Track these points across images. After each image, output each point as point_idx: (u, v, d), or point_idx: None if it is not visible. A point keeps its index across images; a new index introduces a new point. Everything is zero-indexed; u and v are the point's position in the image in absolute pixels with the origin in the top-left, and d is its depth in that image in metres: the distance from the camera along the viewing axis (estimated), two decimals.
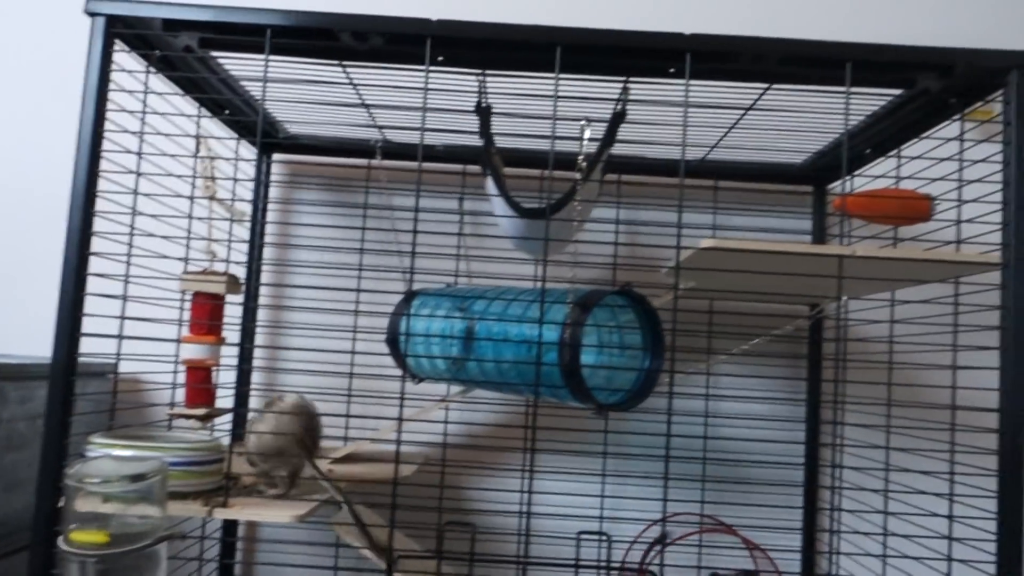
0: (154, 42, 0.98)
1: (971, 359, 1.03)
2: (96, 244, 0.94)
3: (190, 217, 1.15)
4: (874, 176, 1.21)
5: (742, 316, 1.35)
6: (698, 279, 1.09)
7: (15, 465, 1.15)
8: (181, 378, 1.15)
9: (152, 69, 1.03)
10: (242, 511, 0.86)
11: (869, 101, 1.05)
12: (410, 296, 1.21)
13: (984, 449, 0.94)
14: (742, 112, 1.09)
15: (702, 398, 1.37)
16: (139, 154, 1.02)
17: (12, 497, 1.14)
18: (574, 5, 1.47)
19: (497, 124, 1.14)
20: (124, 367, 1.33)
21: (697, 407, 1.38)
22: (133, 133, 1.00)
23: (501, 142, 1.21)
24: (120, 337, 0.99)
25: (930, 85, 0.96)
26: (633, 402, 0.98)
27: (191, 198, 1.14)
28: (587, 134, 0.98)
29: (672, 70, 0.95)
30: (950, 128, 1.04)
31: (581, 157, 0.99)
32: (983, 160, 0.96)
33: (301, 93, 1.11)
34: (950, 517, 1.00)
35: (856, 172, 1.31)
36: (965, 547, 0.98)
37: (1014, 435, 0.87)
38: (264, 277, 1.44)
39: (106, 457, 0.86)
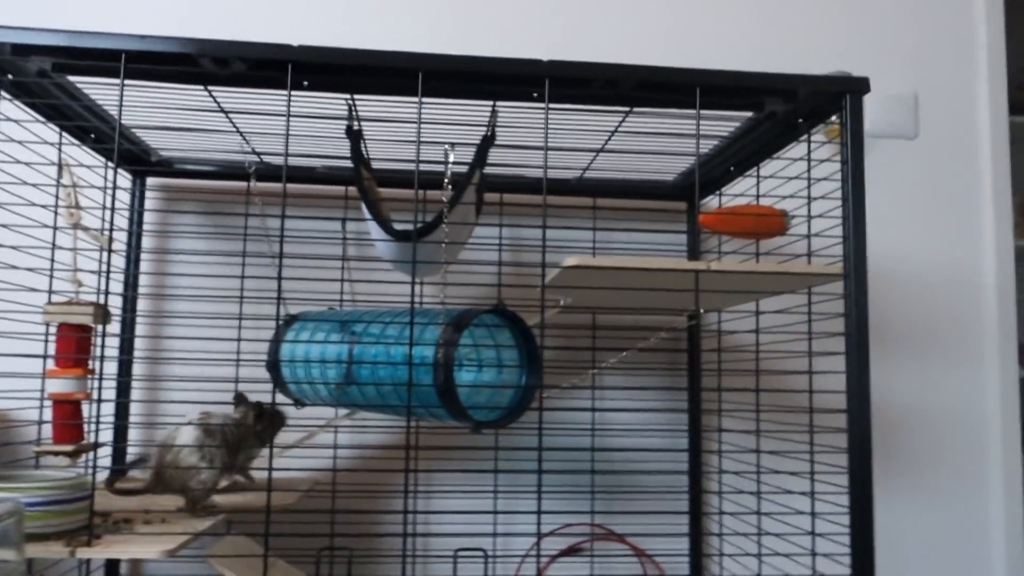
0: (5, 67, 0.95)
1: (824, 364, 1.09)
2: None
3: (53, 246, 1.11)
4: (736, 194, 1.27)
5: (623, 330, 1.39)
6: (574, 295, 1.12)
7: None
8: (48, 414, 1.11)
9: (6, 95, 1.00)
10: (107, 549, 0.83)
11: (726, 123, 1.11)
12: (289, 320, 1.20)
13: (839, 448, 1.00)
14: (608, 134, 1.13)
15: (589, 410, 1.41)
16: None
17: None
18: (444, 30, 1.50)
19: (371, 147, 1.14)
20: None
21: (584, 418, 1.41)
22: None
23: (379, 164, 1.22)
24: None
25: (777, 108, 1.03)
26: (509, 419, 1.01)
27: (54, 227, 1.10)
28: (451, 158, 1.00)
29: (535, 94, 0.98)
30: (800, 147, 1.11)
31: (447, 181, 1.01)
32: (825, 178, 1.03)
33: (170, 118, 1.09)
34: (812, 514, 1.06)
35: (722, 190, 1.38)
36: (827, 541, 1.04)
37: (860, 433, 0.93)
38: (141, 304, 1.40)
39: None
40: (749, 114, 1.07)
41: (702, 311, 1.01)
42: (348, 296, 1.38)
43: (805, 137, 1.09)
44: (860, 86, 0.96)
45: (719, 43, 1.56)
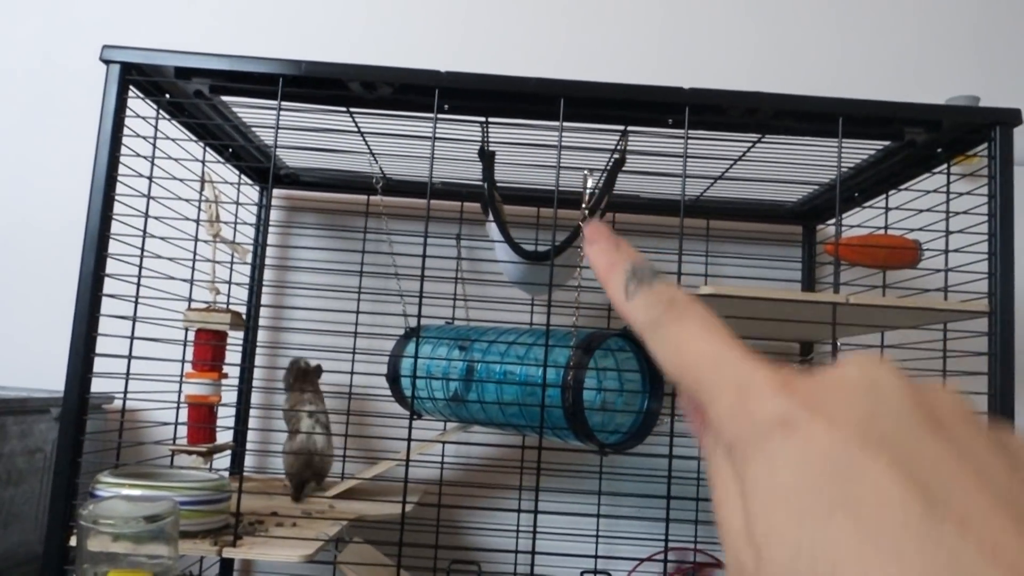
0: (166, 88, 1.01)
1: None
2: (107, 285, 0.96)
3: (194, 257, 1.17)
4: (862, 223, 1.25)
5: None
6: None
7: (12, 500, 1.15)
8: (183, 415, 1.16)
9: (163, 114, 1.06)
10: (251, 550, 0.87)
11: (857, 150, 1.09)
12: (410, 334, 1.23)
13: None
14: (732, 161, 1.13)
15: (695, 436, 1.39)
16: (148, 197, 1.04)
17: (9, 533, 1.15)
18: (574, 55, 1.51)
19: (499, 168, 1.17)
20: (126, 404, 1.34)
21: (692, 443, 1.40)
22: (144, 176, 1.02)
23: (503, 178, 1.24)
24: (127, 376, 1.00)
25: (917, 137, 1.01)
26: (632, 442, 1.01)
27: (195, 239, 1.16)
28: (590, 183, 1.01)
29: (671, 121, 0.98)
30: (936, 177, 1.08)
31: (584, 205, 1.02)
32: (964, 212, 1.00)
33: (309, 138, 1.14)
34: None
35: (845, 216, 1.35)
36: None
37: None
38: (264, 314, 1.46)
39: (118, 498, 0.87)
40: (885, 143, 1.05)
41: (840, 343, 0.99)
42: (463, 311, 1.40)
43: (943, 168, 1.06)
44: (1011, 117, 0.93)
45: (834, 67, 1.53)
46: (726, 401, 0.24)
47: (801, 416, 0.21)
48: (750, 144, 1.05)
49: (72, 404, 0.90)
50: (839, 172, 0.95)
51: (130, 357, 1.02)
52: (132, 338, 1.02)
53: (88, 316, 0.92)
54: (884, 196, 1.22)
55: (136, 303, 1.02)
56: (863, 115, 0.94)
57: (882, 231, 1.19)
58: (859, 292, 1.15)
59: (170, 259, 1.10)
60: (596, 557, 1.18)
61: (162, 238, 1.07)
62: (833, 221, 1.43)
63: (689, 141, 1.04)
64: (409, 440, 0.91)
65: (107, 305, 0.96)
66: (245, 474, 1.39)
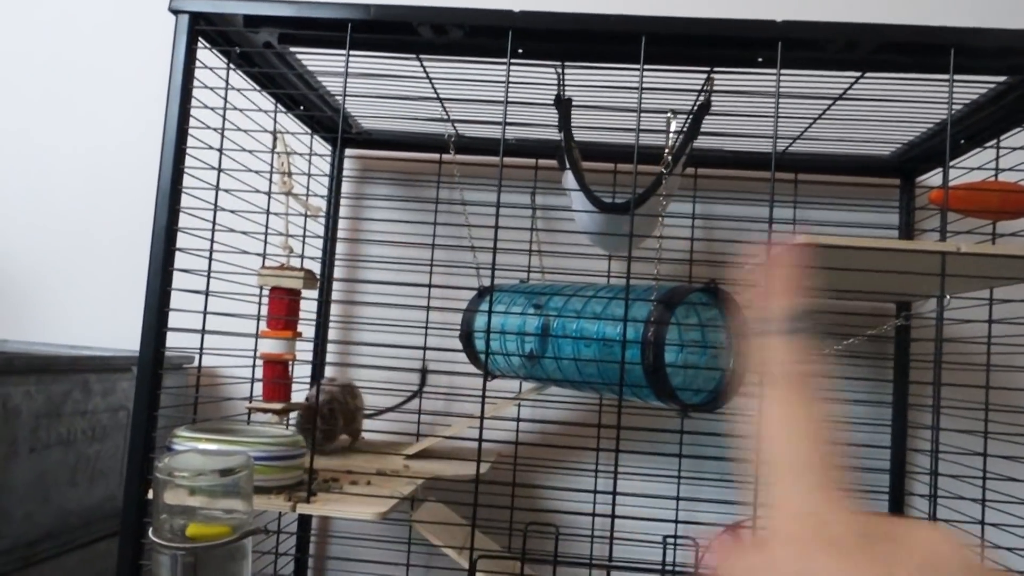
0: (235, 39, 0.99)
1: None
2: (180, 240, 0.95)
3: (268, 212, 1.16)
4: (971, 168, 1.15)
5: (828, 315, 1.30)
6: None
7: (98, 455, 1.18)
8: (259, 372, 1.16)
9: (232, 66, 1.04)
10: (324, 507, 0.86)
11: (969, 88, 1.00)
12: (484, 292, 1.20)
13: None
14: (831, 102, 1.05)
15: None
16: (220, 150, 1.03)
17: (94, 487, 1.17)
18: None
19: (576, 116, 1.11)
20: (203, 361, 1.36)
21: None
22: (215, 130, 1.01)
23: (578, 135, 1.18)
24: (203, 332, 1.00)
25: None
26: (717, 403, 0.96)
27: (268, 194, 1.14)
28: (674, 126, 0.96)
29: (761, 59, 0.91)
30: None
31: (667, 150, 0.96)
32: None
33: (377, 87, 1.10)
34: None
35: (952, 163, 1.25)
36: None
37: None
38: (337, 272, 1.45)
39: (193, 451, 0.87)
40: (1000, 79, 0.96)
41: (948, 298, 0.91)
42: (538, 269, 1.36)
43: None
44: None
45: None
46: (783, 523, 0.26)
47: None
48: (850, 82, 0.97)
49: (147, 359, 0.90)
50: (950, 111, 0.87)
51: (205, 312, 1.01)
52: (207, 294, 1.02)
53: (162, 271, 0.91)
54: (996, 140, 1.12)
55: (210, 259, 1.01)
56: (977, 46, 0.85)
57: (993, 179, 1.09)
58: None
59: (243, 214, 1.08)
60: (676, 522, 1.14)
61: (232, 192, 1.06)
62: (934, 172, 1.33)
63: (782, 82, 0.97)
64: (483, 399, 0.88)
65: (181, 260, 0.95)
66: None
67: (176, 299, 0.95)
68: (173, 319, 0.94)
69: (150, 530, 0.79)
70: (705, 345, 1.00)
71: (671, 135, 0.95)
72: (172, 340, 0.96)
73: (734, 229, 1.39)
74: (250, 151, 1.09)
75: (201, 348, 1.01)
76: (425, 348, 1.35)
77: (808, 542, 0.23)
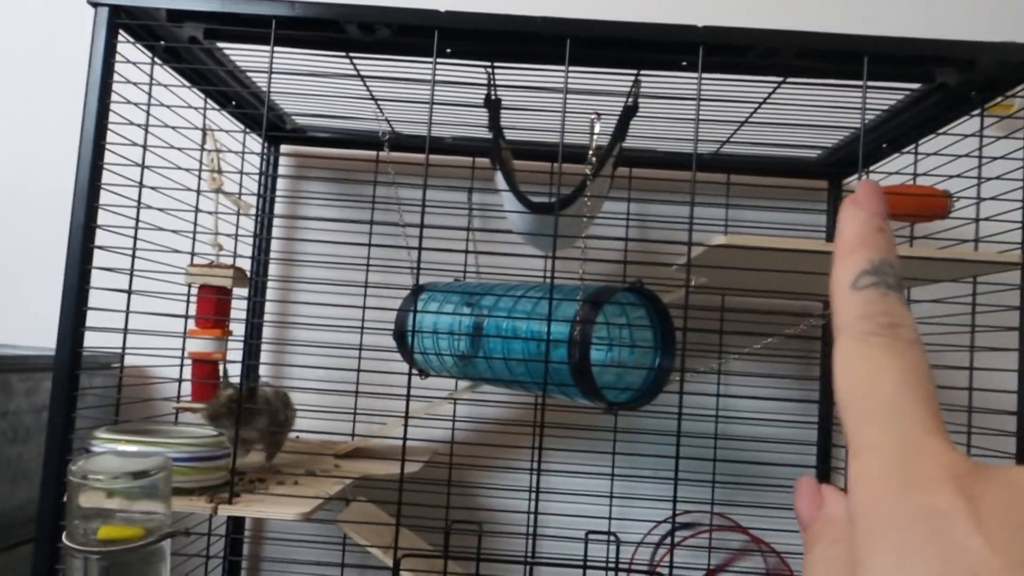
0: (159, 33, 0.97)
1: (988, 361, 1.01)
2: (101, 238, 0.93)
3: (196, 210, 1.14)
4: (890, 172, 1.19)
5: (754, 313, 1.33)
6: (710, 276, 1.07)
7: (20, 457, 1.15)
8: (188, 372, 1.14)
9: (157, 60, 1.02)
10: (247, 508, 0.85)
11: (886, 95, 1.03)
12: (417, 291, 1.20)
13: (1002, 452, 0.92)
14: (755, 106, 1.07)
15: (713, 395, 1.36)
16: (144, 147, 1.01)
17: (16, 490, 1.14)
18: None
19: (507, 117, 1.12)
20: (130, 361, 1.33)
21: (708, 403, 1.36)
22: (138, 125, 0.99)
23: (511, 135, 1.19)
24: (125, 331, 0.98)
25: (949, 79, 0.94)
26: (643, 400, 0.97)
27: (197, 191, 1.13)
28: (597, 128, 0.97)
29: (684, 63, 0.93)
30: (969, 123, 1.01)
31: (591, 152, 0.97)
32: (1003, 157, 0.94)
33: (308, 85, 1.10)
34: None
35: (872, 167, 1.29)
36: None
37: None
38: (271, 270, 1.43)
39: (110, 453, 0.85)
40: (915, 86, 0.99)
41: None
42: (473, 268, 1.37)
43: (977, 112, 1.00)
44: None
45: (860, 5, 1.45)
46: (879, 463, 0.20)
47: (963, 524, 0.18)
48: (771, 89, 0.99)
49: (64, 358, 0.88)
50: (863, 116, 0.89)
51: (128, 311, 1.00)
52: (129, 292, 1.00)
53: (79, 268, 0.89)
54: (914, 145, 1.15)
55: (133, 256, 1.00)
56: (890, 54, 0.88)
57: (911, 183, 1.13)
58: None
59: (161, 211, 1.07)
60: (609, 519, 1.16)
61: (158, 189, 1.04)
62: (857, 175, 1.37)
63: (706, 87, 0.99)
64: (408, 397, 0.88)
65: (104, 259, 0.93)
66: None
67: (100, 298, 0.93)
68: (98, 319, 0.93)
69: (63, 534, 0.77)
70: (633, 344, 1.02)
71: (595, 137, 0.96)
72: (96, 339, 0.94)
73: (667, 229, 1.41)
74: (179, 148, 1.08)
75: (124, 347, 0.99)
76: (361, 347, 1.35)
77: (919, 481, 0.19)
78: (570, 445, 1.36)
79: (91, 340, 0.93)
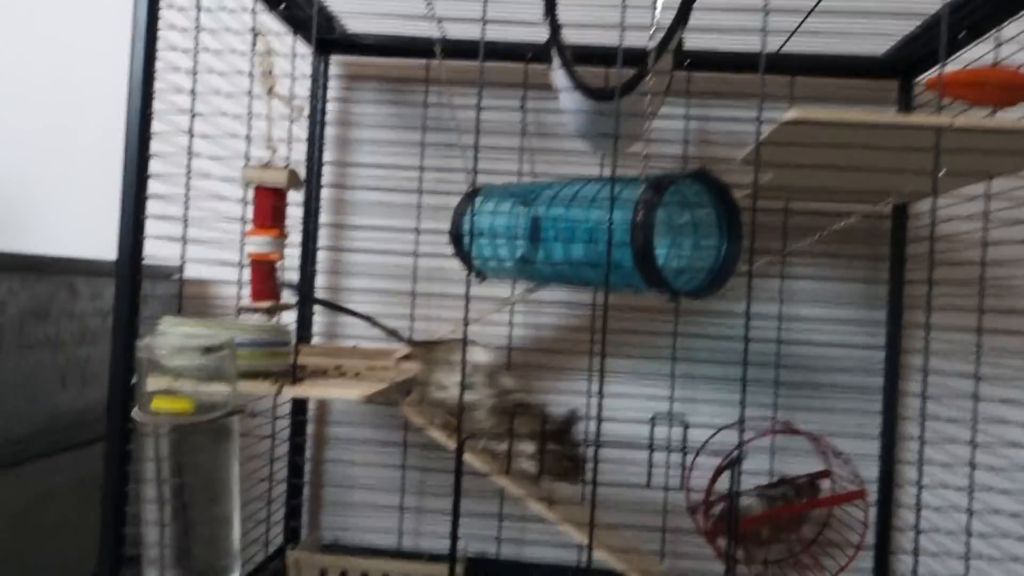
0: None
1: None
2: (155, 147, 0.94)
3: (249, 114, 1.14)
4: (967, 62, 1.12)
5: (819, 216, 1.29)
6: (775, 168, 1.03)
7: (89, 359, 1.17)
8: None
9: None
10: (311, 389, 0.86)
11: None
12: (473, 192, 1.18)
13: None
14: None
15: (776, 300, 1.32)
16: (195, 50, 1.00)
17: (87, 391, 1.17)
18: None
19: (563, 9, 1.08)
20: (191, 271, 1.34)
21: (771, 310, 1.33)
22: (187, 29, 0.98)
23: (569, 36, 1.15)
24: (185, 231, 0.99)
25: None
26: (707, 291, 0.95)
27: (250, 94, 1.12)
28: (660, 2, 0.93)
29: None
30: None
31: (652, 28, 0.93)
32: None
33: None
34: None
35: (949, 58, 1.22)
36: None
37: None
38: (324, 179, 1.43)
39: (176, 334, 0.86)
40: None
41: (943, 170, 0.88)
42: (528, 175, 1.34)
43: None
44: None
45: None
46: None
47: None
48: None
49: (124, 264, 0.89)
50: None
51: (186, 214, 1.00)
52: (187, 194, 1.01)
53: (136, 177, 0.90)
54: (995, 30, 1.09)
55: (189, 160, 1.00)
56: None
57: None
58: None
59: (223, 116, 1.07)
60: (670, 415, 1.15)
61: (209, 94, 1.04)
62: (931, 71, 1.30)
63: None
64: (467, 292, 0.87)
65: (159, 166, 0.94)
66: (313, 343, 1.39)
67: (158, 207, 0.94)
68: (156, 228, 0.94)
69: (134, 410, 0.78)
70: (697, 234, 0.99)
71: (657, 11, 0.92)
72: (155, 248, 0.95)
73: (728, 132, 1.36)
74: (229, 52, 1.07)
75: (184, 244, 1.00)
76: (416, 255, 1.34)
77: None
78: (629, 353, 1.35)
79: (152, 248, 0.94)
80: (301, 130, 1.38)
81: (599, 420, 0.83)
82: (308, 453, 1.41)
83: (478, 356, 1.00)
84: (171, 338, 0.79)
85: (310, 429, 1.41)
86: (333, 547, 1.36)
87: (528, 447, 0.91)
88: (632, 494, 1.24)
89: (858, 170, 0.92)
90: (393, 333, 1.13)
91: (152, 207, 0.94)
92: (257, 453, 1.23)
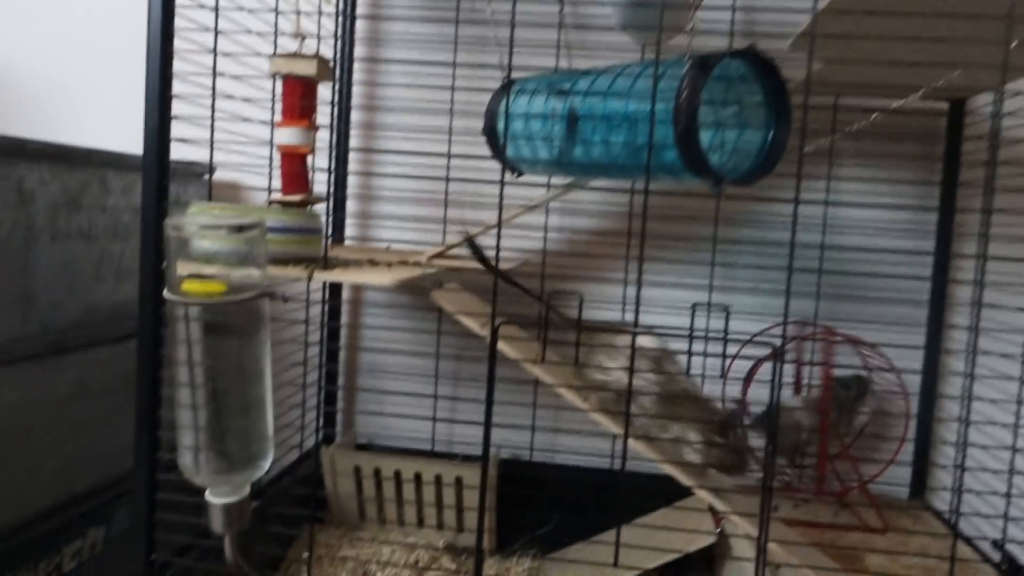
0: None
1: None
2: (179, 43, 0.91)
3: (276, 11, 1.11)
4: None
5: (871, 113, 1.23)
6: (827, 53, 0.97)
7: (123, 254, 1.17)
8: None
9: None
10: (343, 274, 0.84)
11: None
12: (508, 84, 1.14)
13: None
14: None
15: (821, 203, 1.27)
16: None
17: (123, 286, 1.17)
18: None
19: None
20: (222, 175, 1.33)
21: (815, 212, 1.28)
22: None
23: None
24: (212, 119, 0.96)
25: None
26: (755, 176, 0.90)
27: None
28: None
29: None
30: None
31: None
32: None
33: None
34: None
35: None
36: None
37: None
38: (355, 76, 1.39)
39: (206, 215, 0.85)
40: None
41: (1015, 42, 0.82)
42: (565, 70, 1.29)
43: None
44: None
45: None
46: None
47: None
48: None
49: (151, 158, 0.86)
50: None
51: (213, 104, 0.98)
52: (215, 80, 0.98)
53: (161, 62, 0.87)
54: None
55: (215, 48, 0.97)
56: None
57: None
58: None
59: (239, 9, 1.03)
60: (708, 313, 1.12)
61: None
62: None
63: None
64: (502, 186, 0.84)
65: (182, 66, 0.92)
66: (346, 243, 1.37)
67: (184, 107, 0.92)
68: (184, 130, 0.92)
69: (164, 290, 0.77)
70: (743, 118, 0.94)
71: None
72: (183, 149, 0.93)
73: (776, 22, 1.29)
74: None
75: (212, 127, 0.98)
76: (449, 156, 1.31)
77: None
78: (668, 256, 1.31)
79: (178, 149, 0.92)
80: (330, 24, 1.33)
81: (636, 304, 0.81)
82: (343, 355, 1.41)
83: (643, 341, 0.97)
84: (200, 217, 0.77)
85: (344, 331, 1.41)
86: (367, 447, 1.37)
87: (693, 435, 0.88)
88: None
89: (918, 40, 0.86)
90: (566, 320, 1.04)
91: (179, 108, 0.91)
92: (291, 351, 1.23)
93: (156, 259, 0.88)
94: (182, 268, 0.78)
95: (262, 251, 0.79)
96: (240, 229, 0.75)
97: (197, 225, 0.74)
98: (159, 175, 0.87)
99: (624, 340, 0.94)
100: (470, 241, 0.77)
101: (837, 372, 1.24)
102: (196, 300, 0.74)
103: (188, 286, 0.75)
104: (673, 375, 0.93)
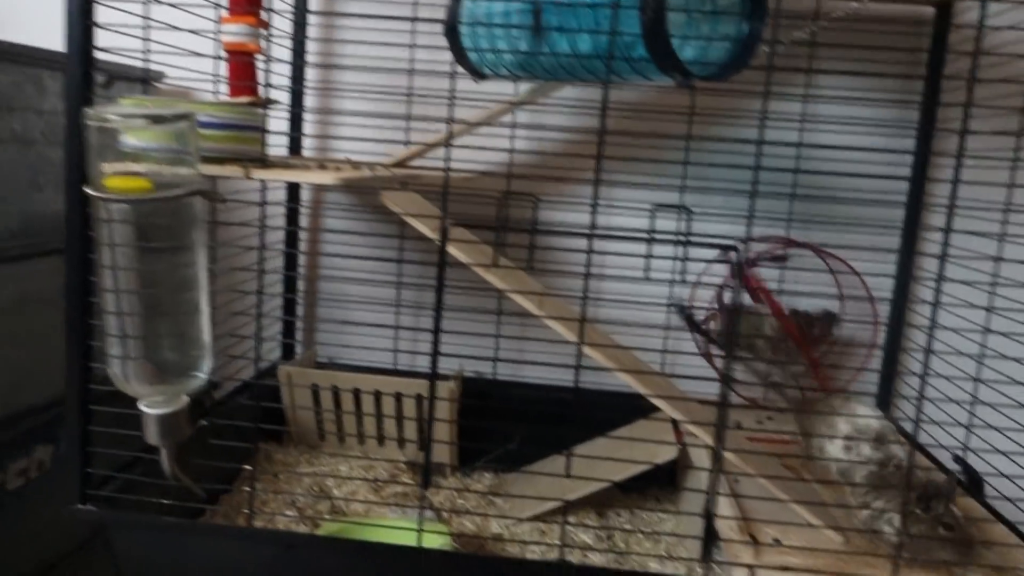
0: None
1: None
2: None
3: None
4: None
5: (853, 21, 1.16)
6: None
7: (62, 161, 1.10)
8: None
9: None
10: (283, 173, 0.79)
11: None
12: None
13: None
14: None
15: (799, 99, 1.21)
16: None
17: (57, 195, 1.10)
18: None
19: None
20: (173, 83, 1.24)
21: (790, 110, 1.21)
22: None
23: None
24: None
25: None
26: (727, 72, 0.85)
27: None
28: None
29: None
30: None
31: None
32: None
33: None
34: None
35: None
36: None
37: None
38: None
39: (130, 104, 0.78)
40: None
41: None
42: None
43: None
44: None
45: None
46: None
47: None
48: None
49: (75, 50, 0.79)
50: None
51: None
52: None
53: None
54: None
55: None
56: None
57: None
58: None
59: None
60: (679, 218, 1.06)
61: None
62: None
63: None
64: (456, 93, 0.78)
65: None
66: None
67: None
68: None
69: (85, 187, 0.72)
70: (714, 11, 0.88)
71: None
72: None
73: None
74: None
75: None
76: (413, 46, 1.22)
77: None
78: (637, 154, 1.25)
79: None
80: None
81: (594, 208, 0.76)
82: (302, 260, 1.36)
83: (868, 419, 0.96)
84: (121, 106, 0.71)
85: (303, 246, 1.35)
86: (328, 366, 1.33)
87: (895, 517, 0.84)
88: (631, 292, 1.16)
89: None
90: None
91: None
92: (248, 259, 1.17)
93: (81, 156, 0.82)
94: (110, 167, 0.72)
95: (193, 148, 0.74)
96: (163, 120, 0.69)
97: (118, 115, 0.68)
98: (82, 60, 0.80)
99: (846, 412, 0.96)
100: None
101: (805, 306, 1.21)
102: (118, 197, 0.69)
103: (111, 182, 0.70)
104: (895, 456, 0.90)
